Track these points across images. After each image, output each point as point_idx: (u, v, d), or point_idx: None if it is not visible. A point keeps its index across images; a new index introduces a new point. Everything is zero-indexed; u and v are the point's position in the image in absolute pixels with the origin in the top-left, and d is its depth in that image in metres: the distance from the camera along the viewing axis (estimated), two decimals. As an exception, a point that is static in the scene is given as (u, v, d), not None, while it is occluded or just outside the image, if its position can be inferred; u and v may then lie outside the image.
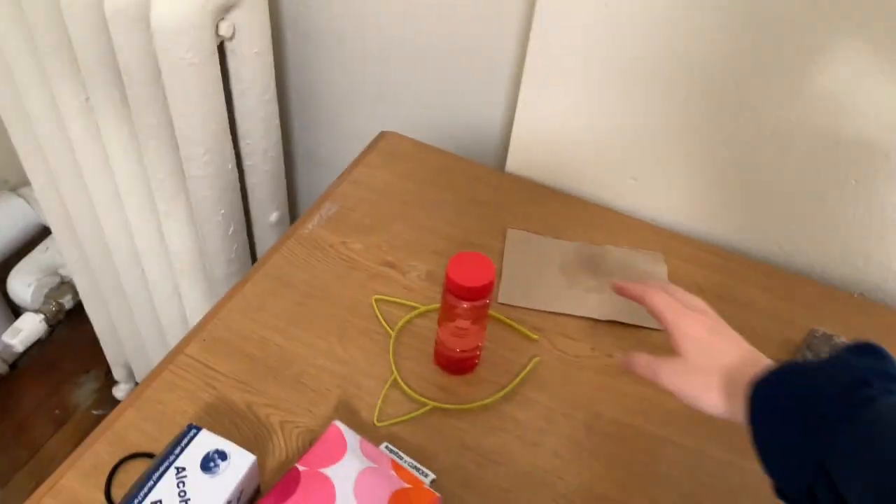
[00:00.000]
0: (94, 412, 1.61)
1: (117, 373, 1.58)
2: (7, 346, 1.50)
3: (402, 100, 1.04)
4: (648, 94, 0.82)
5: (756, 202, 0.85)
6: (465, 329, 0.66)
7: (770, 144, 0.79)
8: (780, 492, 0.45)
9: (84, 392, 1.64)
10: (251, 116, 1.01)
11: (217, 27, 0.89)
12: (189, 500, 0.54)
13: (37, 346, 1.67)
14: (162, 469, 0.55)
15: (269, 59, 0.98)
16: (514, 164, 0.95)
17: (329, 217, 0.87)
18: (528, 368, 0.73)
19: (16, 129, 1.12)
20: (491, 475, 0.65)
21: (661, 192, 0.89)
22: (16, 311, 1.60)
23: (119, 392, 1.61)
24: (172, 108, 0.92)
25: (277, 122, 1.07)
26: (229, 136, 1.00)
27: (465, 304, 0.64)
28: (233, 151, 1.02)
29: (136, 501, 0.53)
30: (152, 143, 0.97)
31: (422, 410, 0.69)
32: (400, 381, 0.71)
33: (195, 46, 0.87)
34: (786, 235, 0.86)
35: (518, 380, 0.71)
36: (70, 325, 1.71)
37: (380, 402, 0.69)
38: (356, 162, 0.95)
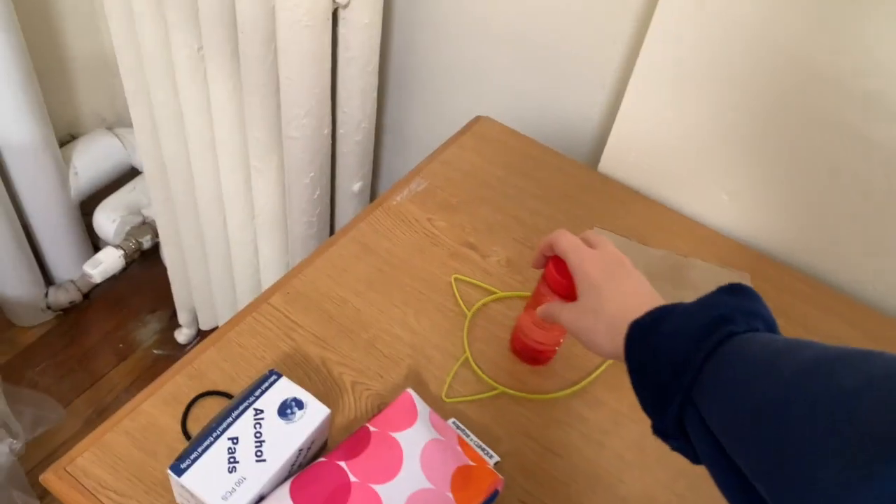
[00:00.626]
0: (155, 351, 1.66)
1: (182, 317, 1.63)
2: (85, 276, 1.56)
3: (499, 87, 1.05)
4: (754, 112, 0.80)
5: (853, 235, 0.82)
6: (552, 323, 0.66)
7: (878, 176, 0.76)
8: (655, 429, 0.47)
9: (148, 331, 1.70)
10: (352, 86, 1.03)
11: (334, -7, 0.91)
12: (264, 441, 0.56)
13: (110, 280, 1.74)
14: (241, 408, 0.57)
15: (378, 31, 0.99)
16: (607, 164, 0.94)
17: (417, 192, 0.88)
18: (601, 368, 0.72)
19: (127, 67, 1.16)
20: (551, 466, 0.65)
21: (754, 213, 0.87)
22: (96, 246, 1.66)
23: (181, 336, 1.66)
24: (281, 68, 0.94)
25: (375, 94, 1.08)
26: (330, 102, 1.02)
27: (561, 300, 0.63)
28: (331, 117, 1.04)
29: (214, 434, 0.55)
30: (255, 99, 0.99)
31: (491, 393, 0.69)
32: (472, 361, 0.71)
33: (312, 10, 0.89)
34: (881, 274, 0.83)
35: (591, 378, 0.71)
36: (143, 265, 1.77)
37: (450, 378, 0.70)
38: (449, 142, 0.96)
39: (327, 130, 1.04)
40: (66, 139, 1.59)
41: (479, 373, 0.70)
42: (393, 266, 0.79)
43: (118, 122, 1.69)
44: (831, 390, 0.35)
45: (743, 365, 0.41)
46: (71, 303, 1.66)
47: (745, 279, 0.83)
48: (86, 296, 1.70)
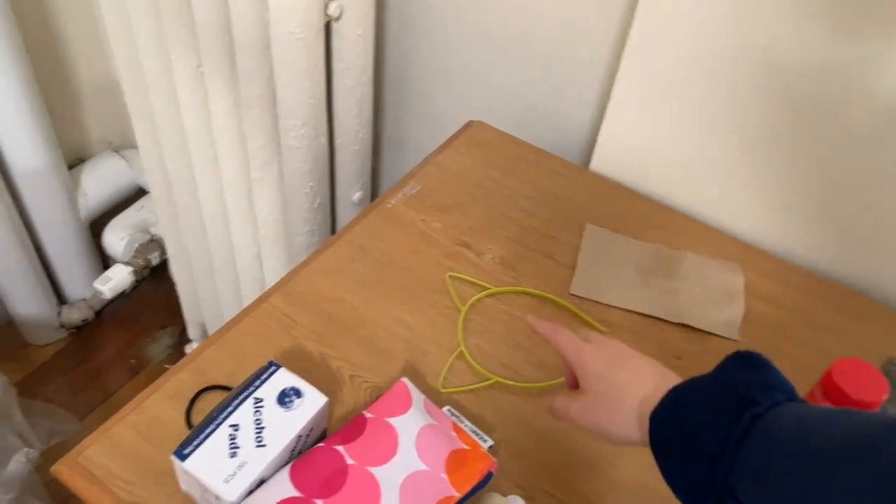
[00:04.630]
0: (166, 366, 1.69)
1: (192, 331, 1.65)
2: (96, 293, 1.59)
3: (492, 91, 1.07)
4: (742, 106, 0.82)
5: (842, 225, 0.84)
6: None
7: (864, 169, 0.78)
8: None
9: (159, 346, 1.72)
10: (348, 96, 1.06)
11: (326, 7, 0.94)
12: (264, 428, 0.58)
13: (120, 298, 1.77)
14: (241, 398, 0.59)
15: (371, 41, 1.03)
16: (598, 163, 0.97)
17: (412, 195, 0.90)
18: None
19: (130, 90, 1.20)
20: (545, 452, 0.66)
21: (745, 206, 0.89)
22: (106, 265, 1.70)
23: (191, 350, 1.68)
24: (277, 80, 0.97)
25: (371, 103, 1.11)
26: (325, 112, 1.05)
27: None
28: (327, 127, 1.07)
29: (216, 422, 0.57)
30: (254, 111, 1.03)
31: (485, 383, 0.71)
32: (466, 353, 0.73)
33: (305, 23, 0.92)
34: (870, 262, 0.85)
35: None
36: (152, 282, 1.80)
37: (445, 369, 0.72)
38: (442, 146, 0.98)
39: (324, 140, 1.07)
40: (75, 162, 1.63)
41: (474, 364, 0.72)
42: (388, 266, 0.82)
43: (124, 144, 1.73)
44: (882, 461, 0.36)
45: (779, 446, 0.42)
46: (83, 321, 1.69)
47: (736, 271, 0.85)
48: (98, 314, 1.73)
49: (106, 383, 1.65)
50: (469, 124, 1.02)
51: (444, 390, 0.70)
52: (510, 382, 0.71)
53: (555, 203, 0.91)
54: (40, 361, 1.67)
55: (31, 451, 1.14)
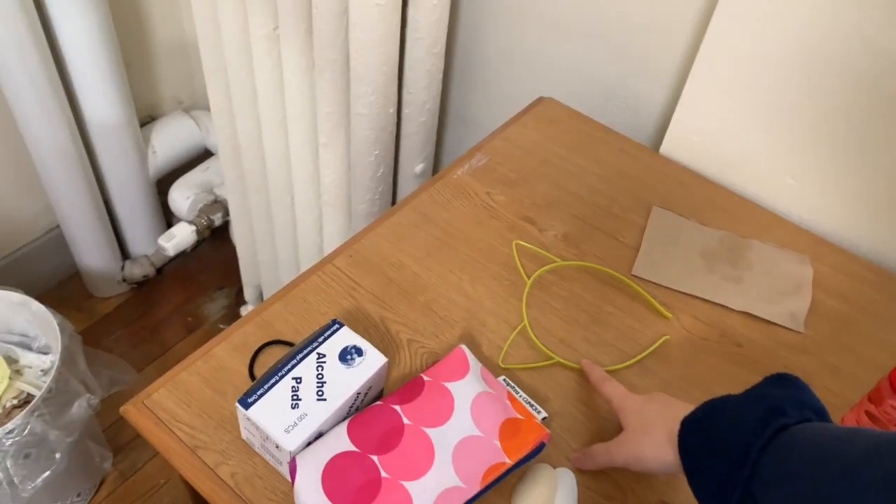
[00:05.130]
0: (221, 326, 1.73)
1: (248, 293, 1.69)
2: (160, 249, 1.64)
3: (563, 71, 1.06)
4: (821, 95, 0.79)
5: (921, 222, 0.81)
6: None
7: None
8: None
9: (215, 306, 1.77)
10: (418, 66, 1.06)
11: (404, -26, 0.94)
12: (325, 382, 0.59)
13: (181, 257, 1.82)
14: (305, 352, 0.61)
15: (446, 13, 1.02)
16: (669, 146, 0.95)
17: (478, 167, 0.90)
18: (656, 344, 0.73)
19: (206, 50, 1.22)
20: (598, 429, 0.66)
21: (819, 198, 0.86)
22: (170, 224, 1.74)
23: (246, 312, 1.73)
24: (351, 45, 0.98)
25: (441, 76, 1.11)
26: (396, 82, 1.05)
27: None
28: (396, 97, 1.08)
29: (280, 374, 0.59)
30: (326, 75, 1.04)
31: (547, 363, 0.70)
32: (529, 329, 0.73)
33: (383, -11, 0.92)
34: (948, 262, 0.81)
35: (646, 353, 0.72)
36: (212, 244, 1.85)
37: (506, 345, 0.71)
38: (511, 121, 0.98)
39: (393, 109, 1.07)
40: (146, 120, 1.68)
41: (536, 341, 0.72)
42: (451, 235, 0.82)
43: (194, 105, 1.77)
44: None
45: (801, 455, 0.42)
46: (145, 276, 1.75)
47: (804, 262, 0.82)
48: (159, 270, 1.78)
49: (163, 338, 1.70)
50: (539, 100, 1.01)
51: (503, 365, 0.70)
52: (572, 364, 0.70)
53: (622, 183, 0.90)
54: (103, 313, 1.73)
55: (92, 397, 1.19)
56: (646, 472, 0.55)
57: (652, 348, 0.73)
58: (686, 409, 0.53)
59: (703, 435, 0.49)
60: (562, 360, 0.70)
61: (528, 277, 0.77)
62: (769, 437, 0.44)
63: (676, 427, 0.51)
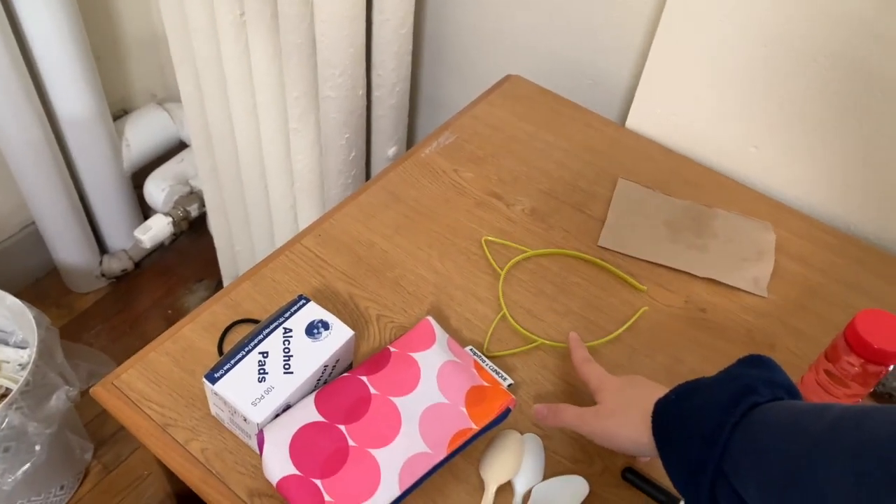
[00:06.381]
0: (202, 318, 1.73)
1: (227, 284, 1.69)
2: (136, 242, 1.63)
3: (531, 47, 1.07)
4: (781, 63, 0.80)
5: (881, 188, 0.82)
6: (852, 395, 0.61)
7: (905, 124, 0.76)
8: None
9: (195, 298, 1.77)
10: (386, 48, 1.07)
11: (368, -44, 0.94)
12: (292, 356, 0.60)
13: (159, 250, 1.82)
14: (272, 327, 0.61)
15: (411, -6, 1.03)
16: (635, 119, 0.96)
17: (445, 145, 0.91)
18: (633, 318, 0.73)
19: (175, 39, 1.22)
20: (563, 395, 0.67)
21: (782, 165, 0.88)
22: (146, 217, 1.74)
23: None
24: (317, 27, 0.98)
25: (409, 58, 1.11)
26: (364, 63, 1.05)
27: (873, 367, 0.58)
28: (365, 79, 1.08)
29: (246, 349, 0.59)
30: (294, 59, 1.04)
31: (531, 346, 0.71)
32: (510, 318, 0.73)
33: (346, -30, 0.92)
34: (907, 224, 0.83)
35: (624, 328, 0.73)
36: (190, 236, 1.84)
37: (488, 337, 0.71)
38: (478, 99, 0.98)
39: (362, 91, 1.08)
40: (119, 114, 1.67)
41: (519, 328, 0.73)
42: (419, 213, 0.82)
43: (167, 97, 1.76)
44: (862, 440, 0.37)
45: (770, 431, 0.43)
46: (123, 271, 1.74)
47: (767, 229, 0.84)
48: (137, 264, 1.78)
49: (143, 332, 1.69)
50: (506, 78, 1.02)
51: (488, 354, 0.69)
52: (553, 344, 0.70)
53: (588, 157, 0.91)
54: (82, 308, 1.72)
55: (71, 389, 1.19)
56: (615, 449, 0.56)
57: (629, 323, 0.73)
58: (662, 391, 0.54)
59: (676, 415, 0.50)
60: (544, 341, 0.71)
61: (501, 269, 0.77)
62: (741, 415, 0.45)
63: (651, 409, 0.52)
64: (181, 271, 1.82)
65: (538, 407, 0.61)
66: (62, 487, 1.33)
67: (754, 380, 0.47)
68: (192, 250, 1.84)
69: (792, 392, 0.48)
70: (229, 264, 1.63)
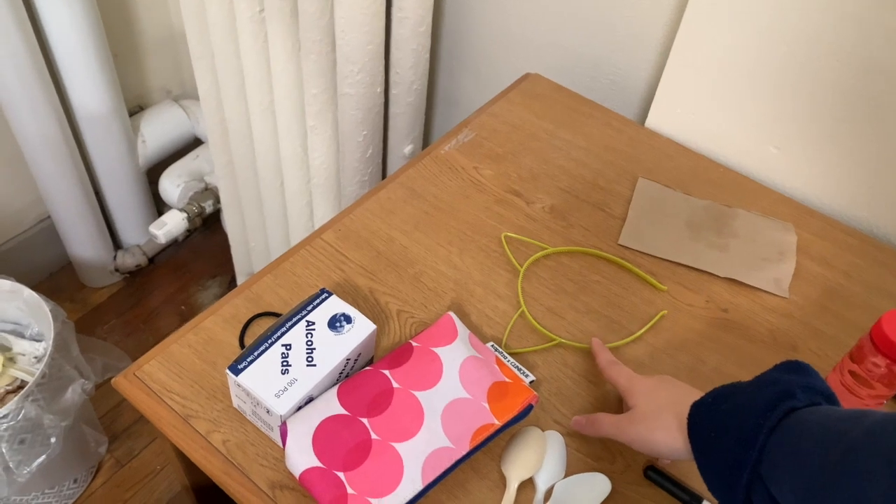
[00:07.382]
0: (215, 314, 1.73)
1: (241, 281, 1.69)
2: (151, 237, 1.64)
3: (549, 46, 1.07)
4: (803, 62, 0.80)
5: (903, 188, 0.82)
6: (877, 396, 0.61)
7: (930, 125, 0.76)
8: None
9: (208, 295, 1.77)
10: (404, 45, 1.07)
11: (389, -47, 0.95)
12: (314, 349, 0.60)
13: (173, 246, 1.83)
14: (295, 320, 0.61)
15: (431, -10, 1.03)
16: (654, 119, 0.95)
17: (465, 142, 0.91)
18: (653, 321, 0.73)
19: (193, 35, 1.22)
20: (585, 392, 0.67)
21: (802, 166, 0.87)
22: (161, 213, 1.74)
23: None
24: (337, 24, 0.98)
25: (427, 56, 1.11)
26: (383, 60, 1.05)
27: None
28: (383, 76, 1.08)
29: (269, 341, 0.60)
30: (312, 56, 1.04)
31: (549, 344, 0.70)
32: (528, 315, 0.73)
33: (367, -33, 0.92)
34: (930, 226, 0.82)
35: (644, 329, 0.72)
36: (205, 233, 1.85)
37: (508, 329, 0.71)
38: (497, 97, 0.98)
39: (380, 89, 1.08)
40: (135, 110, 1.68)
41: (538, 326, 0.72)
42: (438, 209, 0.82)
43: (183, 94, 1.77)
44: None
45: (808, 436, 0.43)
46: (137, 266, 1.75)
47: (788, 230, 0.83)
48: (151, 260, 1.79)
49: (157, 327, 1.70)
50: (525, 76, 1.02)
51: (507, 351, 0.69)
52: (574, 344, 0.70)
53: (607, 156, 0.91)
54: (96, 303, 1.73)
55: (86, 382, 1.19)
56: (650, 454, 0.55)
57: (650, 324, 0.73)
58: (695, 393, 0.54)
59: (712, 418, 0.50)
60: (564, 341, 0.70)
61: (521, 266, 0.77)
62: (778, 419, 0.45)
63: (686, 412, 0.52)
64: (195, 268, 1.82)
65: (576, 418, 0.62)
66: (75, 481, 1.34)
67: (792, 385, 0.47)
68: (205, 247, 1.85)
69: (830, 398, 0.47)
70: (243, 261, 1.64)
